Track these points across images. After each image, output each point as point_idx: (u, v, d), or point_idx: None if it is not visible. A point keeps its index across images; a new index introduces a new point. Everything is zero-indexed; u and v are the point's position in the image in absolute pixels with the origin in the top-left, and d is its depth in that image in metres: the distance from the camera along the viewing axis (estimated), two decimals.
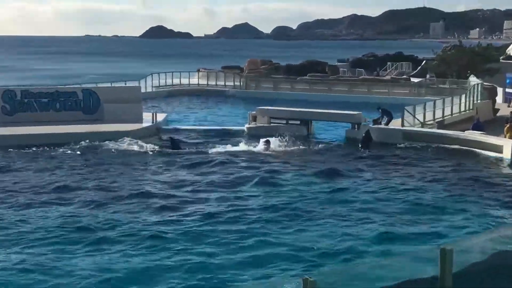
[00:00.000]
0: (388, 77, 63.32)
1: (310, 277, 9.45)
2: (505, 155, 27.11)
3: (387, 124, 32.84)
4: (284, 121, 34.91)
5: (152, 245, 16.40)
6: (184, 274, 14.66)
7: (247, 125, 35.41)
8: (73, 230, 17.62)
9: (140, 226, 17.99)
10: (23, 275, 14.60)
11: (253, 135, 33.49)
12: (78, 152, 29.13)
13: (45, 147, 29.78)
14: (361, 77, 62.34)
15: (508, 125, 29.68)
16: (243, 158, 27.99)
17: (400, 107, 34.02)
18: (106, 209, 19.77)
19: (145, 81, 54.26)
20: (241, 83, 59.64)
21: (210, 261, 15.38)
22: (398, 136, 31.47)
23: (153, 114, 36.31)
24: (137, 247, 16.32)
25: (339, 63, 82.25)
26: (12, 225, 18.11)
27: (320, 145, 31.43)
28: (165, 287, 14.01)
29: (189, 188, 22.59)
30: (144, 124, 35.13)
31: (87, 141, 30.71)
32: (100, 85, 43.77)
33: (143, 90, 46.76)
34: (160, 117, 37.66)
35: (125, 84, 46.97)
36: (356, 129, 33.17)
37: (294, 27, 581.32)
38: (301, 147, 30.42)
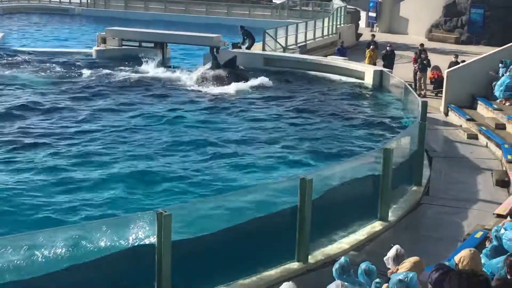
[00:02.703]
0: None
1: (165, 210, 9.56)
2: (367, 81, 28.24)
3: (249, 48, 32.87)
4: (137, 44, 34.23)
5: None
6: None
7: (95, 48, 34.36)
8: None
9: None
10: None
11: (103, 58, 32.71)
12: None
13: None
14: None
15: (368, 50, 30.79)
16: None
17: (261, 30, 34.27)
18: None
19: None
20: (88, 1, 57.56)
21: None
22: (259, 61, 31.81)
23: None
24: None
25: None
26: None
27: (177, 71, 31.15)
28: None
29: None
30: None
31: None
32: None
33: None
34: None
35: None
36: (215, 53, 33.11)
37: None
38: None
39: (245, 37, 32.72)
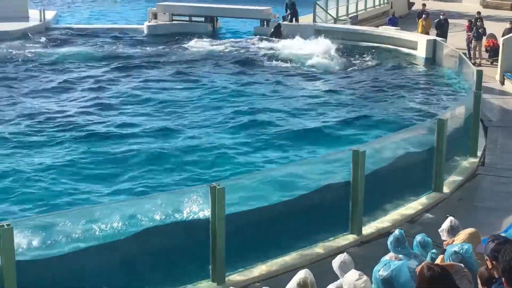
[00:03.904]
0: None
1: (218, 184, 9.65)
2: (420, 51, 27.83)
3: (291, 21, 32.69)
4: (187, 18, 34.40)
5: None
6: None
7: (146, 23, 34.61)
8: None
9: None
10: None
11: (154, 35, 32.98)
12: None
13: None
14: None
15: (421, 20, 30.28)
16: None
17: (312, 2, 33.97)
18: None
19: None
20: None
21: None
22: (309, 33, 31.57)
23: (40, 11, 34.83)
24: None
25: None
26: None
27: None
28: None
29: None
30: (31, 23, 33.77)
31: None
32: None
33: None
34: (49, 14, 36.21)
35: None
36: (265, 26, 33.05)
37: None
38: None
39: (290, 11, 32.56)
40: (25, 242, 9.21)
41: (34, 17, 34.53)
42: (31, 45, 30.12)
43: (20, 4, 34.78)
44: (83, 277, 9.32)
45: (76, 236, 9.40)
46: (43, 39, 31.49)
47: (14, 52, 28.40)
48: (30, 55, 28.02)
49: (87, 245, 9.45)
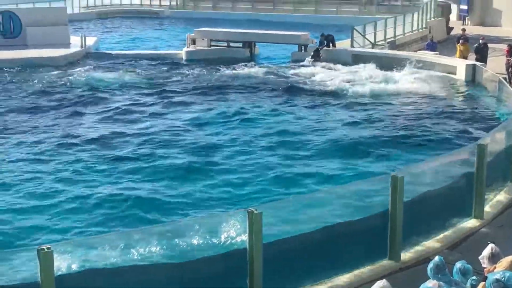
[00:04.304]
0: None
1: (256, 209, 9.63)
2: (459, 76, 27.63)
3: (328, 46, 32.72)
4: (225, 44, 34.67)
5: None
6: None
7: (185, 49, 35.00)
8: None
9: None
10: None
11: (192, 60, 33.28)
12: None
13: None
14: None
15: (459, 44, 30.12)
16: None
17: (349, 27, 34.05)
18: None
19: (72, 1, 52.84)
20: (178, 2, 58.54)
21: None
22: (347, 58, 31.60)
23: (81, 38, 35.46)
24: None
25: None
26: None
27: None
28: None
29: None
30: (72, 49, 34.37)
31: (11, 68, 30.26)
32: (21, 6, 42.29)
33: (69, 11, 45.75)
34: (90, 41, 36.84)
35: (50, 4, 45.62)
36: (302, 51, 33.14)
37: None
38: None
39: (325, 42, 32.55)
40: (65, 265, 9.27)
41: (76, 43, 35.15)
42: (72, 70, 30.63)
43: (62, 31, 35.53)
44: None
45: (114, 260, 9.42)
46: (84, 64, 32.03)
47: (56, 77, 28.94)
48: (71, 80, 28.54)
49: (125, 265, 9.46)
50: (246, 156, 18.42)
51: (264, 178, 16.78)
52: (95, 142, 19.83)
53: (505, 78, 24.61)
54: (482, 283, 7.31)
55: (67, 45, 34.94)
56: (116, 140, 20.19)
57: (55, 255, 8.44)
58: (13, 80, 28.78)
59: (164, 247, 9.66)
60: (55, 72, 30.27)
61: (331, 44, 32.64)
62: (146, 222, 13.76)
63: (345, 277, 10.78)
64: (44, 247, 8.43)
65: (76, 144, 19.57)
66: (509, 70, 26.78)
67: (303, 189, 15.84)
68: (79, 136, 20.48)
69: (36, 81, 28.67)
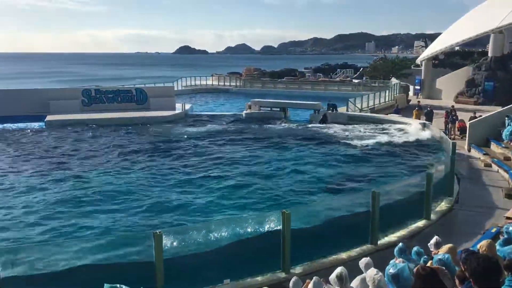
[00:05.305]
0: (338, 79, 62.92)
1: (286, 210, 9.58)
2: (414, 129, 27.18)
3: (332, 111, 32.47)
4: (269, 108, 34.86)
5: None
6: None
7: (244, 111, 35.26)
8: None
9: None
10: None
11: (249, 118, 33.54)
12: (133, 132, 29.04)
13: (111, 126, 29.73)
14: (320, 79, 61.90)
15: (415, 110, 29.75)
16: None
17: (346, 99, 33.98)
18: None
19: (177, 83, 53.91)
20: (240, 84, 59.19)
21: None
22: (344, 118, 31.45)
23: (182, 104, 35.97)
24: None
25: (305, 70, 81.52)
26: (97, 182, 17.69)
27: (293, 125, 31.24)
28: None
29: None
30: (176, 111, 34.97)
31: (140, 123, 30.99)
32: (147, 85, 43.25)
33: (175, 88, 46.60)
34: (187, 106, 37.35)
35: (163, 85, 46.50)
36: (316, 114, 33.10)
37: (276, 46, 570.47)
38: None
39: (331, 108, 32.34)
40: (167, 244, 9.07)
41: (179, 107, 35.72)
42: (177, 125, 30.92)
43: (171, 101, 36.19)
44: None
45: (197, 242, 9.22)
46: (184, 121, 32.43)
47: (166, 130, 29.27)
48: (176, 132, 28.75)
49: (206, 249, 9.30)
50: (278, 178, 18.12)
51: (291, 188, 16.51)
52: (189, 167, 19.75)
53: (444, 132, 24.12)
54: (430, 261, 7.09)
55: (173, 109, 35.53)
56: (202, 165, 20.08)
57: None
58: (140, 130, 29.06)
59: (231, 232, 9.64)
60: (167, 125, 30.63)
61: (334, 109, 32.55)
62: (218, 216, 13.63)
63: (343, 255, 10.61)
64: (157, 231, 8.40)
65: (177, 170, 19.34)
66: (447, 126, 26.26)
67: (314, 197, 15.58)
68: (179, 166, 20.04)
69: (155, 129, 29.04)
